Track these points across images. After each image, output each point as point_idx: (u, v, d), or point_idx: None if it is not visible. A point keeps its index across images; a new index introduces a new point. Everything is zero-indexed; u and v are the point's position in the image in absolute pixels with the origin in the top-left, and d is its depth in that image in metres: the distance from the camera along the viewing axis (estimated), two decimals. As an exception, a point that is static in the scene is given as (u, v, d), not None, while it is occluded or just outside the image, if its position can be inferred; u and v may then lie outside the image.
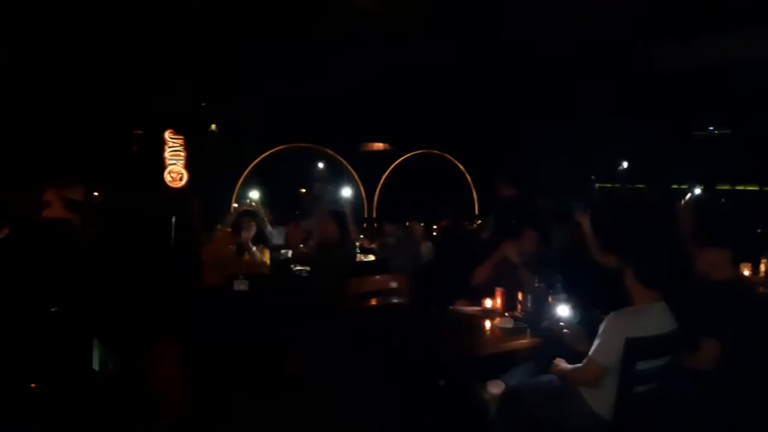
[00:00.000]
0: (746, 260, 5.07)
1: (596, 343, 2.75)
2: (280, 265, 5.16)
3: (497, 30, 7.15)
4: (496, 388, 3.23)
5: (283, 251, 5.42)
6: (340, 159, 8.19)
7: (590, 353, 2.76)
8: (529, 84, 8.00)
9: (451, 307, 4.05)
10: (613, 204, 7.02)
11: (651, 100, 8.16)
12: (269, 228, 5.79)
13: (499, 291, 3.95)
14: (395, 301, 4.54)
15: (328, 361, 4.28)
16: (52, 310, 2.55)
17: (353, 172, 8.28)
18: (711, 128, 9.98)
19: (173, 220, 6.97)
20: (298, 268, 5.14)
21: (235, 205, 7.21)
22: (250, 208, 5.68)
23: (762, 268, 5.22)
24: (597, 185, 7.42)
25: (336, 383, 4.16)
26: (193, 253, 4.95)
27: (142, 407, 3.75)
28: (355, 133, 8.96)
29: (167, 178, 7.64)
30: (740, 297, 3.15)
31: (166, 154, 7.59)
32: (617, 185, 9.51)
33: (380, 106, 8.32)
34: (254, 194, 5.87)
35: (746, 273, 5.03)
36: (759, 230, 6.27)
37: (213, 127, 7.96)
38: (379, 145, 10.51)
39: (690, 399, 3.04)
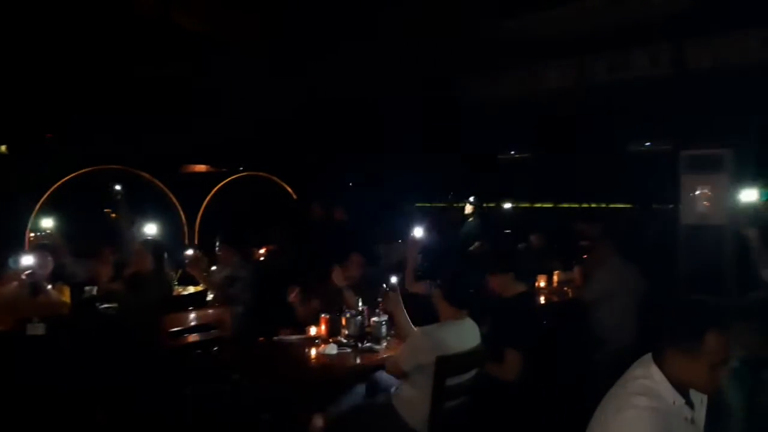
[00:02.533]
0: (542, 273, 5.70)
1: (403, 347, 3.04)
2: (82, 303, 4.64)
3: (319, 60, 7.28)
4: (320, 420, 3.21)
5: (87, 288, 4.88)
6: (157, 182, 7.65)
7: (397, 352, 3.07)
8: (350, 112, 8.25)
9: (275, 337, 3.96)
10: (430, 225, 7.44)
11: (462, 127, 8.89)
12: (70, 262, 5.20)
13: (323, 317, 3.95)
14: (215, 334, 4.32)
15: (144, 403, 3.95)
16: None
17: (172, 195, 7.78)
18: (513, 152, 11.17)
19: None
20: (105, 305, 4.66)
21: (32, 236, 6.35)
22: (45, 241, 5.05)
23: (554, 279, 5.90)
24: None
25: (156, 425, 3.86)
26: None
27: None
28: (173, 153, 8.47)
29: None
30: (527, 308, 3.61)
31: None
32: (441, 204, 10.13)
33: (201, 125, 7.99)
34: (51, 224, 5.22)
35: (542, 284, 5.65)
36: (554, 245, 7.04)
37: (3, 148, 6.96)
38: (201, 167, 10.05)
39: (498, 408, 3.29)
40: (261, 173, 9.19)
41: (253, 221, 7.68)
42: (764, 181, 6.71)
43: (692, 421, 1.85)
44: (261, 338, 4.02)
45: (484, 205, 9.31)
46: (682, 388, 1.83)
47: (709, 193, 6.20)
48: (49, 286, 4.34)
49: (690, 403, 1.85)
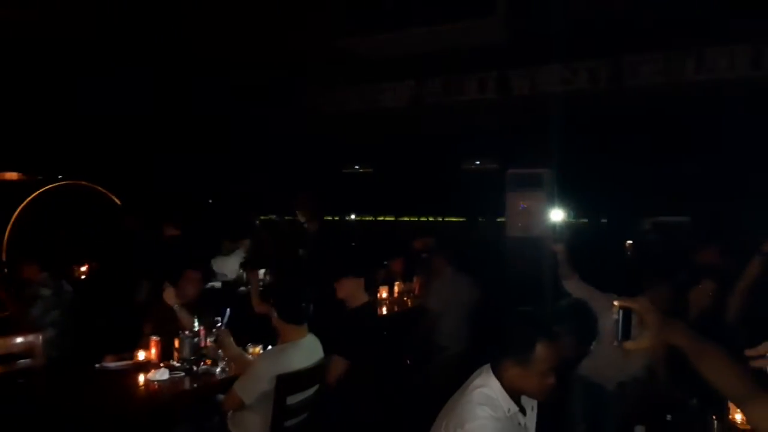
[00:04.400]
0: (384, 284, 5.85)
1: (243, 377, 2.85)
2: None
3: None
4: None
5: None
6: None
7: (235, 384, 2.84)
8: (186, 116, 7.84)
9: (97, 365, 3.57)
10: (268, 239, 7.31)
11: (309, 141, 8.90)
12: None
13: (153, 340, 3.65)
14: (25, 364, 3.79)
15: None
16: None
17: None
18: (357, 167, 11.39)
19: None
20: None
21: None
22: None
23: (396, 289, 6.09)
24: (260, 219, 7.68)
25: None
26: None
27: None
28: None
29: None
30: (368, 319, 3.68)
31: None
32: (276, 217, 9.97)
33: (12, 125, 7.04)
34: None
35: (384, 295, 5.80)
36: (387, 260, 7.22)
37: None
38: (11, 175, 8.85)
39: (339, 422, 3.28)
40: (82, 182, 8.35)
41: (73, 235, 6.93)
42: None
43: (525, 426, 1.98)
44: (80, 366, 3.62)
45: (327, 218, 9.36)
46: (515, 395, 1.95)
47: (530, 209, 6.84)
48: None
49: (522, 410, 1.97)
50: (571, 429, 3.42)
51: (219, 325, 3.46)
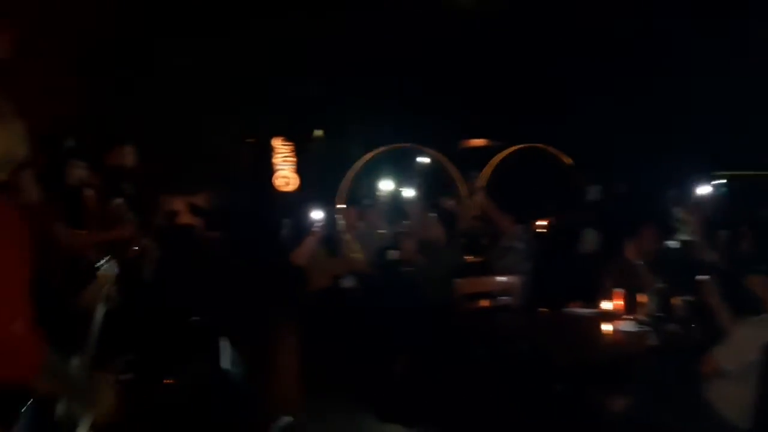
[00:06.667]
0: None
1: (726, 343, 2.69)
2: (387, 265, 5.20)
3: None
4: (619, 400, 3.09)
5: (390, 251, 5.46)
6: (440, 157, 8.14)
7: (716, 349, 2.71)
8: (639, 76, 7.58)
9: (564, 309, 3.93)
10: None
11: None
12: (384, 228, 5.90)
13: (619, 292, 3.77)
14: (506, 302, 4.46)
15: (438, 363, 4.28)
16: (194, 319, 2.74)
17: (454, 170, 8.20)
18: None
19: (285, 223, 7.27)
20: (407, 269, 5.16)
21: (343, 206, 7.32)
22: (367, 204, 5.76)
23: None
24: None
25: (446, 385, 4.15)
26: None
27: (267, 405, 3.90)
28: (453, 129, 8.89)
29: (277, 183, 7.95)
30: None
31: (276, 160, 7.92)
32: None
33: (480, 99, 8.21)
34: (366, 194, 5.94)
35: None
36: None
37: (319, 132, 8.19)
38: (479, 141, 10.28)
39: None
40: (537, 145, 9.06)
41: (531, 193, 7.61)
42: None
43: None
44: (543, 309, 4.02)
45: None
46: None
47: None
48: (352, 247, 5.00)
49: None
50: None
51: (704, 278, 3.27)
